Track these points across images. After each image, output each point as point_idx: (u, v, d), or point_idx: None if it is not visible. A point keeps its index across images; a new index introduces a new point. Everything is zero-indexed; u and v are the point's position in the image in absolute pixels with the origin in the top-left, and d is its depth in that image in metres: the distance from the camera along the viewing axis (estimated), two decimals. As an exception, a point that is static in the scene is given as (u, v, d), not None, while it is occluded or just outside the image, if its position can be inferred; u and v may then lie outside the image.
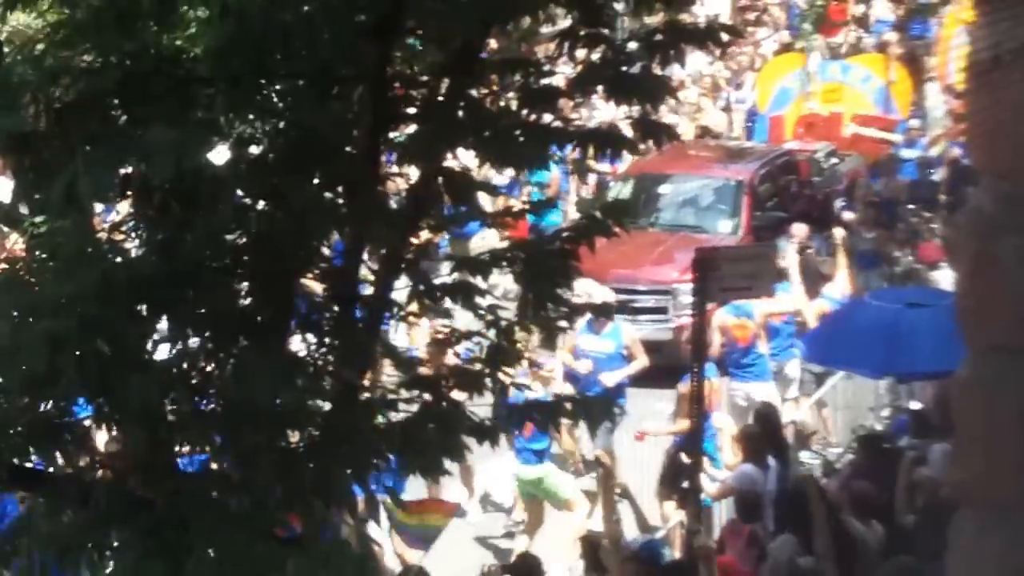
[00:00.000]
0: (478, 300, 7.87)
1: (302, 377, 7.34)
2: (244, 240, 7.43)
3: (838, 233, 19.16)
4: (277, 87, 7.50)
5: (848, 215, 21.17)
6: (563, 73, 8.13)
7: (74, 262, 6.86)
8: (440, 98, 7.72)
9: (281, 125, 7.55)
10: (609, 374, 15.32)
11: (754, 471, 12.89)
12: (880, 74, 25.12)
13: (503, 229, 9.11)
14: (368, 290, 7.85)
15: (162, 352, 7.28)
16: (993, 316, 4.00)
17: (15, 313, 6.63)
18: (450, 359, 8.74)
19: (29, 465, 7.37)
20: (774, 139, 24.53)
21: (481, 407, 8.01)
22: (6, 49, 6.99)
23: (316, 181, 7.59)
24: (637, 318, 18.06)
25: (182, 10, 7.05)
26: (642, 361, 15.77)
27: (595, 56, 7.80)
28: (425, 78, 7.81)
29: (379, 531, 12.22)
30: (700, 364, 12.14)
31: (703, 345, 12.32)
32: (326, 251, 7.84)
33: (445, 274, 8.19)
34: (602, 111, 19.84)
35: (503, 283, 9.03)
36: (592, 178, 23.32)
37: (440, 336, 9.98)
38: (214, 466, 7.41)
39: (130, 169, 6.89)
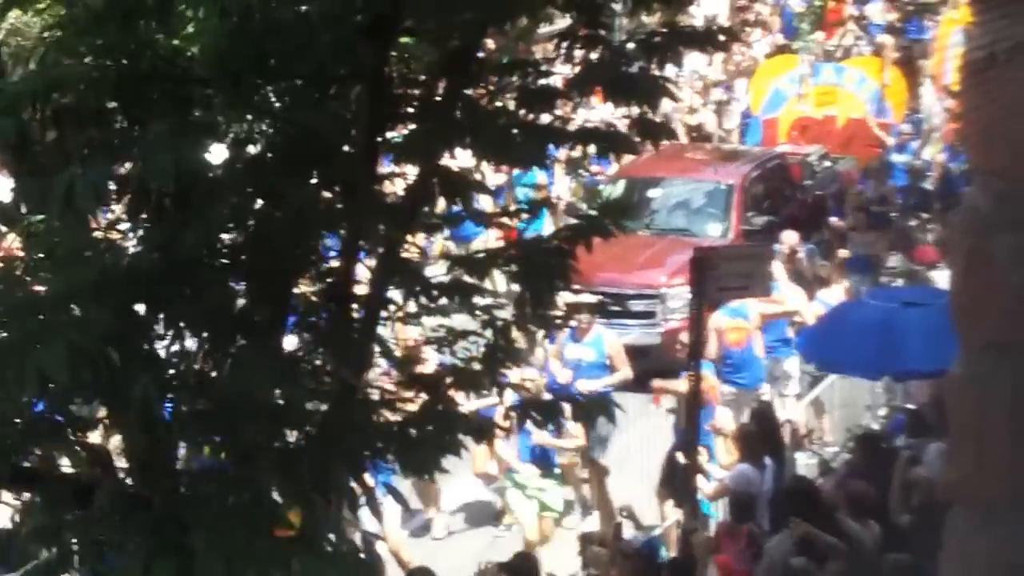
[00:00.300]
0: (475, 299, 7.89)
1: (299, 376, 7.36)
2: (241, 239, 7.44)
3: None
4: (275, 87, 7.51)
5: (836, 220, 20.96)
6: (561, 73, 8.14)
7: (71, 261, 6.87)
8: (437, 98, 7.73)
9: (278, 125, 7.56)
10: (586, 382, 14.95)
11: (751, 471, 12.91)
12: (875, 77, 25.03)
13: (499, 229, 9.11)
14: (364, 289, 7.86)
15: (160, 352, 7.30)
16: (986, 314, 4.01)
17: (14, 313, 6.64)
18: (428, 367, 8.71)
19: (28, 464, 7.40)
20: (767, 142, 24.41)
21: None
22: (4, 49, 7.00)
23: (313, 181, 7.61)
24: (625, 322, 17.90)
25: (180, 10, 7.06)
26: (624, 372, 15.46)
27: (593, 57, 7.81)
28: (422, 78, 7.82)
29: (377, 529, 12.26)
30: (697, 363, 12.17)
31: (700, 344, 12.34)
32: (323, 251, 7.86)
33: (441, 274, 8.19)
34: (599, 111, 19.81)
35: (497, 285, 9.05)
36: (581, 181, 23.13)
37: (414, 343, 10.02)
38: (212, 465, 7.42)
39: (128, 168, 6.90)
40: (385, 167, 8.10)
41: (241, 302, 7.54)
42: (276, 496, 7.10)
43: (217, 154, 7.50)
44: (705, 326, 13.09)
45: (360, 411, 7.60)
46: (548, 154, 8.16)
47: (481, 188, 8.36)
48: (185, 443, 7.22)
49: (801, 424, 16.14)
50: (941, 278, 16.99)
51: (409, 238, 7.98)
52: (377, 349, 7.95)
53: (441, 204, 8.14)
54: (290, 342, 7.72)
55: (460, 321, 8.36)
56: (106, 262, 6.99)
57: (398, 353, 8.40)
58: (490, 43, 8.55)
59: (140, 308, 7.06)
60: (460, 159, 8.25)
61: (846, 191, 22.27)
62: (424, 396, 7.91)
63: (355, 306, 7.75)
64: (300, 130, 7.42)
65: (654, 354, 17.53)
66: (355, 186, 7.54)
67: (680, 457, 13.03)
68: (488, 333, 8.00)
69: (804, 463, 15.46)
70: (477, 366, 7.99)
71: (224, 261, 7.39)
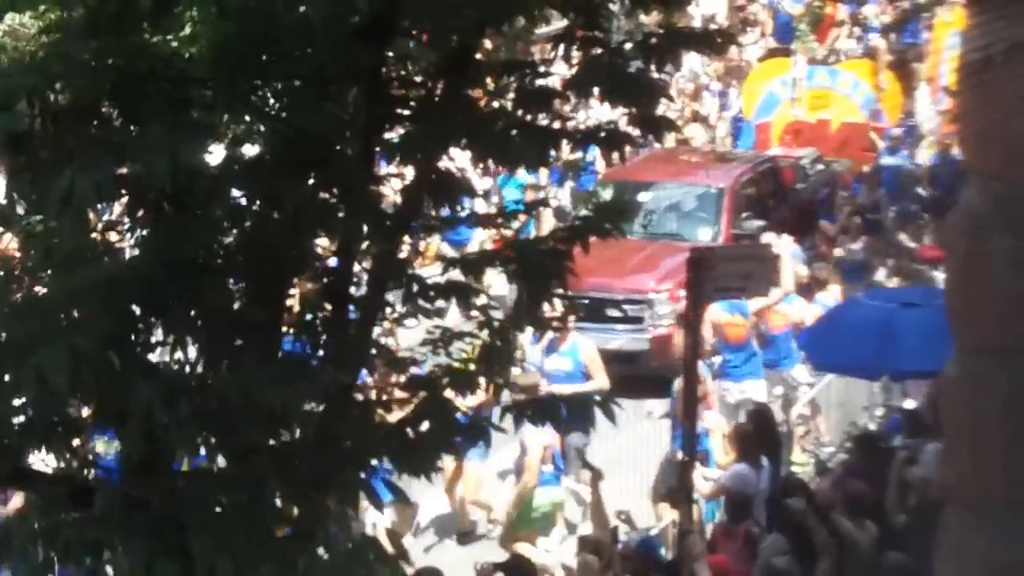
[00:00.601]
0: (472, 300, 7.89)
1: (297, 377, 7.36)
2: (238, 240, 7.45)
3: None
4: (272, 88, 7.51)
5: (826, 224, 20.78)
6: (558, 74, 8.14)
7: (70, 263, 6.88)
8: (435, 99, 7.73)
9: (276, 126, 7.56)
10: (559, 387, 14.31)
11: (747, 471, 12.92)
12: (869, 80, 24.88)
13: (496, 231, 9.11)
14: (361, 290, 7.87)
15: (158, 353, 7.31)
16: (982, 315, 4.01)
17: (13, 315, 6.65)
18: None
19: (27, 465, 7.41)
20: (760, 145, 24.20)
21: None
22: (2, 49, 7.01)
23: (311, 182, 7.61)
24: (612, 327, 17.78)
25: (178, 11, 7.06)
26: (600, 381, 15.16)
27: (591, 57, 7.81)
28: (420, 79, 7.82)
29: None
30: (694, 363, 12.17)
31: (697, 345, 12.34)
32: (320, 252, 7.86)
33: (435, 275, 8.20)
34: (597, 111, 19.72)
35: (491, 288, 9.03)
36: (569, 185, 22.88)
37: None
38: (210, 466, 7.42)
39: (125, 170, 6.91)
40: (382, 168, 8.10)
41: (239, 303, 7.55)
42: (274, 496, 7.12)
43: (215, 155, 7.51)
44: (701, 326, 13.07)
45: (358, 412, 7.60)
46: (547, 155, 8.16)
47: (473, 192, 8.37)
48: (183, 445, 7.21)
49: (798, 424, 16.17)
50: (940, 279, 17.00)
51: (406, 239, 7.98)
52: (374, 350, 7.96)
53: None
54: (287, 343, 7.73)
55: (455, 322, 8.37)
56: (105, 265, 7.00)
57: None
58: (487, 44, 8.54)
59: (138, 310, 7.07)
60: (458, 161, 8.25)
61: (835, 195, 22.05)
62: (421, 397, 7.91)
63: (352, 307, 7.76)
64: (297, 131, 7.43)
65: (642, 360, 17.46)
66: (352, 187, 7.54)
67: (678, 455, 13.03)
68: (484, 334, 8.00)
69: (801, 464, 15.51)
70: (473, 367, 8.00)
71: (221, 262, 7.39)
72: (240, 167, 7.52)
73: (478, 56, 7.94)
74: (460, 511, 15.08)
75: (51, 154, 6.76)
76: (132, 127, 7.03)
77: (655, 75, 7.91)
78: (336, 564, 6.69)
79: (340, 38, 7.19)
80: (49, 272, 7.17)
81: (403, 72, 7.82)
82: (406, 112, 7.74)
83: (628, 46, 7.84)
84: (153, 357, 7.28)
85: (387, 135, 7.81)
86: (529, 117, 7.83)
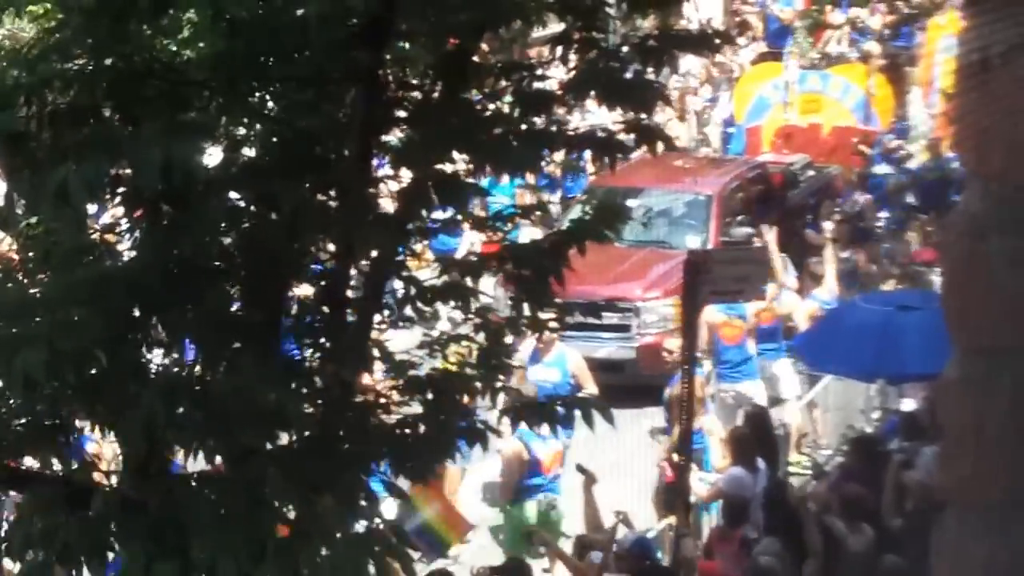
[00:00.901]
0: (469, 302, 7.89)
1: (295, 380, 7.36)
2: (236, 242, 7.45)
3: (828, 226, 19.11)
4: (270, 90, 7.52)
5: (811, 233, 20.55)
6: (556, 77, 8.15)
7: (67, 263, 6.88)
8: (433, 102, 7.73)
9: (273, 128, 7.57)
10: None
11: (744, 474, 12.91)
12: (860, 84, 24.71)
13: (493, 234, 9.10)
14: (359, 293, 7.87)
15: (156, 356, 7.31)
16: (981, 316, 4.01)
17: (4, 315, 6.65)
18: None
19: (24, 467, 7.41)
20: (751, 150, 23.80)
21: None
22: (0, 52, 7.02)
23: (308, 184, 7.61)
24: (599, 335, 17.47)
25: (176, 14, 7.07)
26: (589, 391, 14.66)
27: (588, 60, 7.82)
28: (417, 81, 7.83)
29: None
30: (690, 366, 12.18)
31: (693, 347, 12.35)
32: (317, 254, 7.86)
33: (431, 278, 8.20)
34: (595, 115, 19.61)
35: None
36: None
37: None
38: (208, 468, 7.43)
39: (124, 171, 6.91)
40: (380, 171, 8.10)
41: (237, 305, 7.55)
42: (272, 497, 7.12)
43: (212, 157, 7.51)
44: (697, 329, 13.07)
45: (356, 414, 7.60)
46: (543, 159, 8.16)
47: (479, 192, 8.37)
48: (182, 447, 7.22)
49: (795, 426, 16.16)
50: (937, 282, 16.99)
51: (404, 242, 7.98)
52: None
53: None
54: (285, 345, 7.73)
55: (449, 326, 8.36)
56: (100, 265, 7.00)
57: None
58: (484, 47, 8.54)
59: (135, 311, 7.07)
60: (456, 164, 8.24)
61: (822, 202, 21.69)
62: (419, 400, 7.91)
63: (350, 309, 7.76)
64: (295, 133, 7.43)
65: (628, 368, 17.31)
66: (350, 190, 7.54)
67: (674, 458, 13.03)
68: (481, 337, 8.00)
69: (799, 466, 15.51)
70: (470, 370, 8.00)
71: (218, 264, 7.39)
72: (238, 169, 7.52)
73: (475, 59, 7.94)
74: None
75: (48, 153, 6.77)
76: (128, 125, 7.04)
77: (652, 78, 7.92)
78: (341, 557, 6.69)
79: (338, 40, 7.20)
80: (46, 273, 7.17)
81: (401, 74, 7.83)
82: (403, 114, 7.75)
83: (624, 49, 7.85)
84: (153, 358, 7.29)
85: (385, 137, 7.81)
86: (526, 120, 7.83)
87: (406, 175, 8.03)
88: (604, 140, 7.92)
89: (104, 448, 10.35)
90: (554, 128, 7.99)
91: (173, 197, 6.96)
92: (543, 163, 8.14)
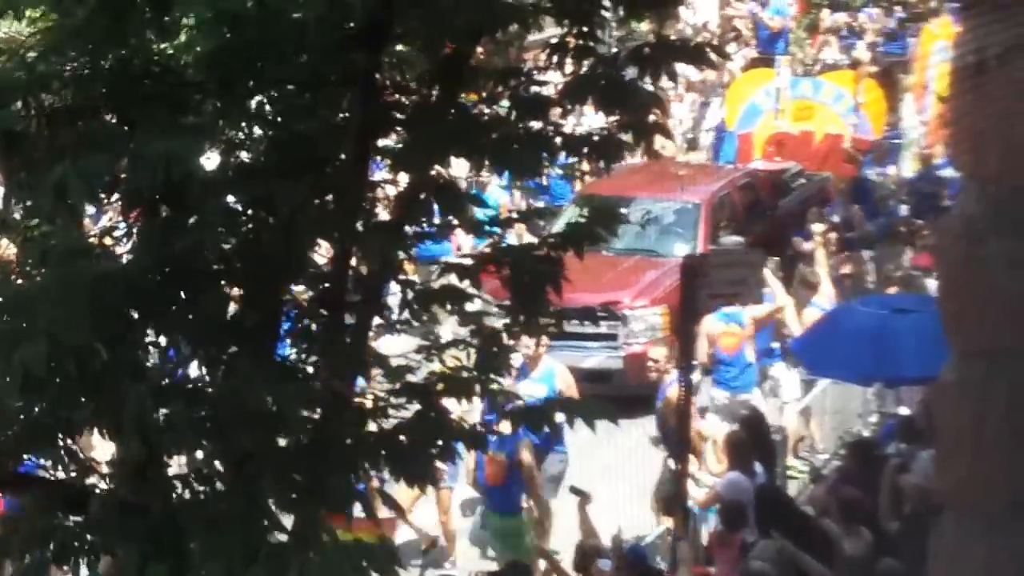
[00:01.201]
0: (467, 306, 7.89)
1: (292, 383, 7.36)
2: (233, 245, 7.45)
3: (817, 228, 19.04)
4: (267, 93, 7.52)
5: (798, 241, 20.39)
6: (552, 82, 8.15)
7: (65, 264, 6.88)
8: (430, 105, 7.73)
9: (271, 131, 7.57)
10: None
11: (742, 479, 12.90)
12: (853, 91, 24.54)
13: (490, 237, 9.10)
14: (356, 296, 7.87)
15: (154, 358, 7.32)
16: (977, 319, 4.01)
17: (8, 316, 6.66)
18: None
19: (23, 469, 7.42)
20: (743, 158, 23.50)
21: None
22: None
23: (305, 187, 7.60)
24: (587, 345, 17.34)
25: (175, 16, 7.07)
26: None
27: (584, 66, 7.82)
28: (415, 85, 7.83)
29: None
30: (688, 371, 12.18)
31: (690, 352, 12.35)
32: (315, 257, 7.86)
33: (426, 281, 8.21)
34: (589, 119, 19.53)
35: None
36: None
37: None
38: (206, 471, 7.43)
39: (123, 174, 6.91)
40: (378, 174, 8.10)
41: (234, 308, 7.55)
42: (269, 501, 7.12)
43: (209, 160, 7.51)
44: (694, 334, 13.06)
45: (353, 418, 7.60)
46: (543, 162, 8.16)
47: (476, 201, 8.39)
48: (178, 449, 7.22)
49: (792, 431, 16.15)
50: (933, 285, 16.97)
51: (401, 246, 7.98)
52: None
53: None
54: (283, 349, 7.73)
55: (447, 329, 8.37)
56: (96, 265, 7.00)
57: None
58: (481, 51, 8.55)
59: (132, 313, 7.07)
60: (452, 169, 8.24)
61: (808, 211, 21.46)
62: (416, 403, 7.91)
63: (347, 313, 7.76)
64: (292, 136, 7.43)
65: (616, 378, 17.12)
66: (347, 193, 7.55)
67: (671, 463, 13.03)
68: (477, 341, 8.00)
69: (796, 470, 15.50)
70: (467, 374, 7.99)
71: (216, 267, 7.40)
72: (235, 171, 7.53)
73: (472, 63, 7.95)
74: (424, 534, 14.82)
75: (46, 153, 6.77)
76: (125, 126, 7.05)
77: (649, 85, 7.92)
78: (324, 567, 6.68)
79: (335, 43, 7.20)
80: (44, 275, 7.17)
81: (398, 78, 7.83)
82: (401, 117, 7.75)
83: (621, 55, 7.86)
84: (151, 359, 7.30)
85: (382, 141, 7.82)
86: (523, 124, 7.84)
87: (403, 179, 8.04)
88: (601, 141, 7.92)
89: (104, 450, 10.34)
90: (551, 132, 7.99)
91: (171, 198, 6.96)
92: (543, 166, 8.12)
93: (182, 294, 7.08)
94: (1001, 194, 3.95)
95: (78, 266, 6.86)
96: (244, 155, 7.74)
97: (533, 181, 21.03)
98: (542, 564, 12.94)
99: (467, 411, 8.39)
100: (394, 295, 8.10)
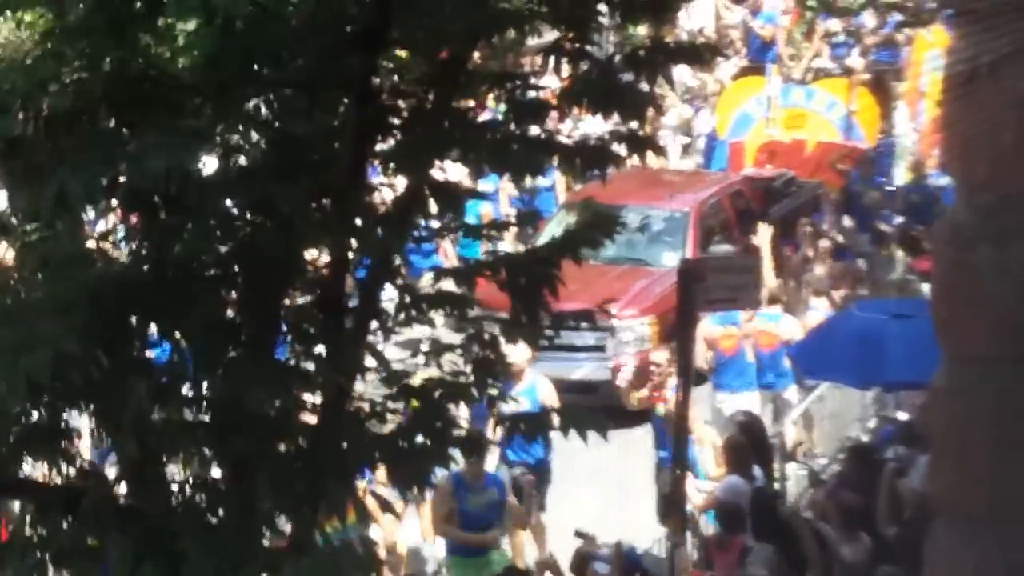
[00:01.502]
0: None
1: (291, 386, 7.38)
2: (232, 249, 7.46)
3: (821, 241, 19.03)
4: (263, 96, 7.53)
5: (790, 249, 20.29)
6: (549, 87, 8.17)
7: (64, 268, 6.90)
8: (427, 109, 7.75)
9: (268, 134, 7.58)
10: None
11: (740, 483, 12.91)
12: (846, 99, 24.37)
13: (488, 241, 9.12)
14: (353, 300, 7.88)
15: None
16: (968, 326, 4.02)
17: (4, 322, 6.67)
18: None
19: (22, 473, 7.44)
20: (734, 166, 23.19)
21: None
22: None
23: (303, 190, 7.62)
24: (575, 356, 17.23)
25: (171, 20, 7.09)
26: None
27: (580, 70, 7.84)
28: (412, 89, 7.85)
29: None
30: (687, 376, 12.18)
31: (689, 357, 12.34)
32: (313, 261, 7.88)
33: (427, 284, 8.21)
34: (587, 123, 19.48)
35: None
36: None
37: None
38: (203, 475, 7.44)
39: (120, 177, 6.93)
40: (374, 178, 8.12)
41: (233, 313, 7.57)
42: (267, 505, 7.13)
43: (207, 166, 7.52)
44: (693, 339, 13.03)
45: (351, 422, 7.62)
46: (541, 164, 8.17)
47: (476, 196, 8.38)
48: (176, 453, 7.24)
49: (791, 436, 16.16)
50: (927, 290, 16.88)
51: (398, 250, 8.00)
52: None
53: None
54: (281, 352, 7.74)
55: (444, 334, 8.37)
56: (98, 271, 7.02)
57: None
58: (478, 56, 8.57)
59: (132, 317, 7.09)
60: (449, 173, 8.26)
61: (797, 219, 21.28)
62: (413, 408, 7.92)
63: (345, 317, 7.77)
64: (289, 139, 7.45)
65: (603, 390, 16.86)
66: (344, 196, 7.56)
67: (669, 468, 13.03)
68: (475, 346, 8.01)
69: (794, 474, 15.50)
70: (464, 379, 8.00)
71: (215, 271, 7.41)
72: (232, 175, 7.54)
73: (469, 67, 7.96)
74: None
75: (47, 159, 6.79)
76: (123, 129, 7.06)
77: (645, 88, 7.94)
78: (309, 571, 6.69)
79: (332, 46, 7.21)
80: (44, 281, 7.19)
81: (395, 82, 7.85)
82: (397, 121, 7.77)
83: (617, 59, 7.87)
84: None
85: (379, 146, 7.83)
86: (520, 128, 7.86)
87: (401, 183, 8.05)
88: (596, 149, 7.94)
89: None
90: (547, 136, 8.01)
91: (169, 202, 6.98)
92: (541, 168, 8.14)
93: (181, 298, 7.09)
94: (990, 201, 3.96)
95: (77, 272, 6.87)
96: (242, 159, 7.75)
97: (517, 199, 20.92)
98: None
99: (455, 416, 8.37)
100: (391, 300, 8.11)
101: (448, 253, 16.36)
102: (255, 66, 7.20)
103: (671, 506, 12.41)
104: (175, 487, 7.37)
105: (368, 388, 8.16)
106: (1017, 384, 3.97)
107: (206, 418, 7.26)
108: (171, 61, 7.26)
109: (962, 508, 4.08)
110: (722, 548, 12.24)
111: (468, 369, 7.99)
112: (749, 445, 13.42)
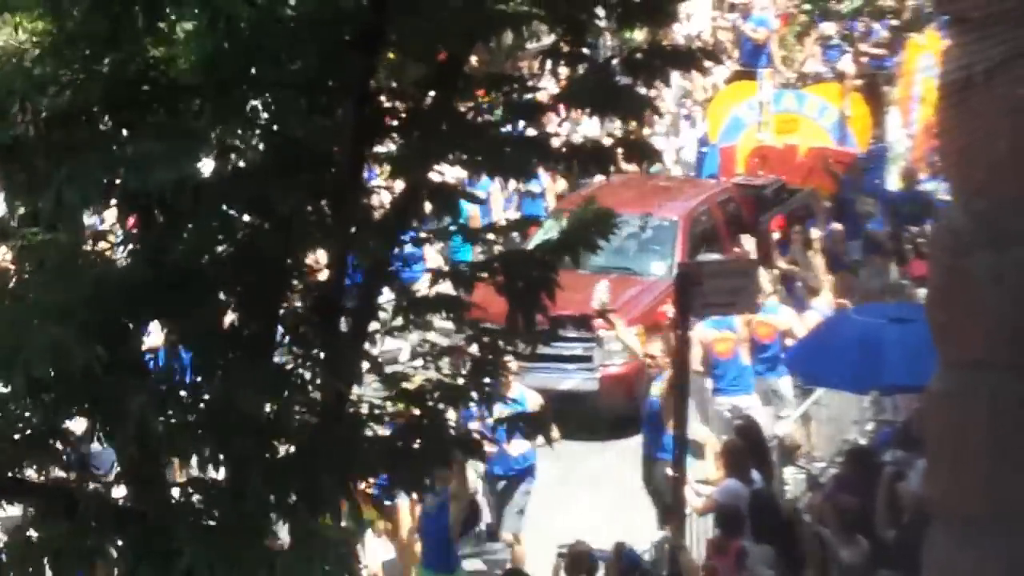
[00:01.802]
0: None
1: (289, 388, 7.39)
2: (230, 252, 7.48)
3: (815, 234, 18.98)
4: (261, 98, 7.54)
5: (780, 257, 20.12)
6: (546, 89, 8.19)
7: (63, 271, 6.91)
8: (424, 111, 7.77)
9: (266, 135, 7.59)
10: (516, 443, 13.34)
11: (739, 486, 12.92)
12: (837, 104, 24.22)
13: (484, 244, 9.14)
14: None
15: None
16: (964, 331, 4.04)
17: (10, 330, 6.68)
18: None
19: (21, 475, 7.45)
20: (725, 171, 22.90)
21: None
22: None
23: (301, 191, 7.63)
24: (562, 367, 17.00)
25: (171, 21, 7.10)
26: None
27: (577, 73, 7.85)
28: (409, 91, 7.86)
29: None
30: (684, 380, 12.19)
31: (686, 361, 12.35)
32: (311, 264, 7.89)
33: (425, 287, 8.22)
34: (585, 126, 19.41)
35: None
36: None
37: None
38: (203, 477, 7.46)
39: (118, 180, 6.93)
40: (372, 180, 8.13)
41: (231, 315, 7.58)
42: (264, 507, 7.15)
43: (205, 165, 7.53)
44: (688, 344, 13.03)
45: (349, 425, 7.63)
46: (537, 166, 8.19)
47: (472, 198, 8.39)
48: (176, 456, 7.25)
49: (790, 438, 16.16)
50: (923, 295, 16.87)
51: (396, 251, 8.01)
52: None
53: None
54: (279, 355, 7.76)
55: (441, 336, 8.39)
56: (97, 273, 7.03)
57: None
58: (475, 60, 8.59)
59: (130, 319, 7.10)
60: (446, 175, 8.27)
61: (790, 227, 21.06)
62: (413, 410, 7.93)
63: (343, 319, 7.78)
64: (288, 141, 7.46)
65: (591, 401, 16.80)
66: (342, 198, 7.57)
67: (668, 471, 13.05)
68: (473, 348, 8.03)
69: (793, 478, 15.50)
70: (462, 381, 8.02)
71: (213, 273, 7.42)
72: (231, 177, 7.54)
73: (466, 69, 7.98)
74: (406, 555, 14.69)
75: (44, 161, 6.80)
76: (124, 132, 7.08)
77: (642, 91, 7.96)
78: (289, 568, 6.71)
79: (330, 48, 7.22)
80: (42, 283, 7.20)
81: (393, 83, 7.86)
82: (395, 123, 7.78)
83: (614, 62, 7.89)
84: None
85: (377, 148, 7.84)
86: (516, 129, 7.88)
87: (399, 186, 8.07)
88: (593, 153, 7.96)
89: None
90: (543, 138, 8.03)
91: (167, 203, 6.99)
92: (536, 170, 8.16)
93: (178, 300, 7.10)
94: (986, 207, 3.99)
95: (76, 274, 6.88)
96: (240, 161, 7.76)
97: (509, 201, 20.82)
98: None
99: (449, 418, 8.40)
100: (389, 302, 8.13)
101: (436, 259, 16.25)
102: (254, 68, 7.21)
103: (671, 509, 12.42)
104: (174, 488, 7.40)
105: (367, 391, 8.19)
106: (1013, 388, 3.99)
107: (205, 420, 7.27)
108: (170, 62, 7.27)
109: (959, 511, 4.10)
110: (720, 552, 12.24)
111: (464, 371, 8.01)
112: (747, 448, 13.42)
